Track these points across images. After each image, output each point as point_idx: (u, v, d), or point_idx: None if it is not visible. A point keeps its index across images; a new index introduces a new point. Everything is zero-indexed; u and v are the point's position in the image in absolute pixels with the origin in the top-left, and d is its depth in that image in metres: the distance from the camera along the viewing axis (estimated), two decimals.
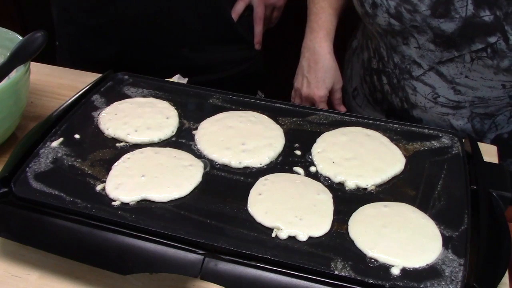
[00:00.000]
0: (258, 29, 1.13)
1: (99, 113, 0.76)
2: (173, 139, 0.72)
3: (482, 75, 0.80)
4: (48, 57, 0.95)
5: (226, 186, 0.65)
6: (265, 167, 0.68)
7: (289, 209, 0.60)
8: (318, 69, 0.96)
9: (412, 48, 0.84)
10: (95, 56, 1.10)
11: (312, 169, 0.68)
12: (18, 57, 0.74)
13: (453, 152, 0.70)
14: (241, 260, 0.55)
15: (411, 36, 0.83)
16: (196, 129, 0.74)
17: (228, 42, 1.12)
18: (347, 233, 0.58)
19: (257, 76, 1.23)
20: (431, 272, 0.54)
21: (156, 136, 0.72)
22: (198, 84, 0.90)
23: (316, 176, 0.67)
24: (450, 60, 0.81)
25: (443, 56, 0.82)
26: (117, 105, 0.77)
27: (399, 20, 0.82)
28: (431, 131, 0.74)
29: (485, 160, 0.69)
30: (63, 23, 1.11)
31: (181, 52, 1.08)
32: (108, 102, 0.78)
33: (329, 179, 0.66)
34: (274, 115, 0.77)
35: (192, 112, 0.77)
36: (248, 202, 0.62)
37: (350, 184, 0.65)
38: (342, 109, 1.00)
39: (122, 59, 1.07)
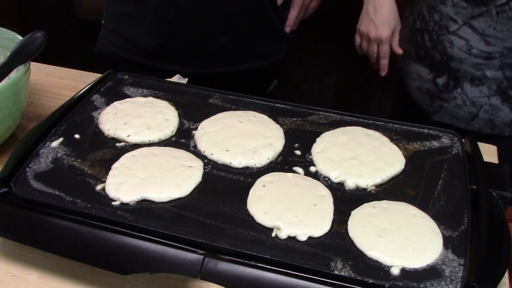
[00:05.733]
0: (293, 13, 1.14)
1: (99, 113, 0.76)
2: (173, 139, 0.72)
3: (508, 27, 0.93)
4: (48, 57, 0.95)
5: (226, 186, 0.65)
6: (265, 167, 0.68)
7: (289, 209, 0.60)
8: (383, 12, 1.09)
9: (448, 7, 0.98)
10: (135, 40, 1.10)
11: (312, 169, 0.68)
12: (18, 57, 0.74)
13: (453, 152, 0.70)
14: (241, 260, 0.55)
15: None
16: (196, 129, 0.74)
17: (264, 34, 1.13)
18: (347, 233, 0.58)
19: (279, 66, 1.24)
20: (431, 272, 0.54)
21: (156, 136, 0.72)
22: (227, 73, 0.89)
23: (316, 176, 0.67)
24: (480, 15, 0.94)
25: (474, 12, 0.95)
26: (117, 105, 0.77)
27: None
28: (431, 131, 0.74)
29: (485, 160, 0.69)
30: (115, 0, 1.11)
31: (218, 41, 1.09)
32: (108, 102, 0.78)
33: (329, 179, 0.66)
34: (274, 115, 0.77)
35: (192, 112, 0.77)
36: (248, 202, 0.62)
37: (350, 184, 0.65)
38: (400, 50, 1.12)
39: (158, 47, 1.08)
